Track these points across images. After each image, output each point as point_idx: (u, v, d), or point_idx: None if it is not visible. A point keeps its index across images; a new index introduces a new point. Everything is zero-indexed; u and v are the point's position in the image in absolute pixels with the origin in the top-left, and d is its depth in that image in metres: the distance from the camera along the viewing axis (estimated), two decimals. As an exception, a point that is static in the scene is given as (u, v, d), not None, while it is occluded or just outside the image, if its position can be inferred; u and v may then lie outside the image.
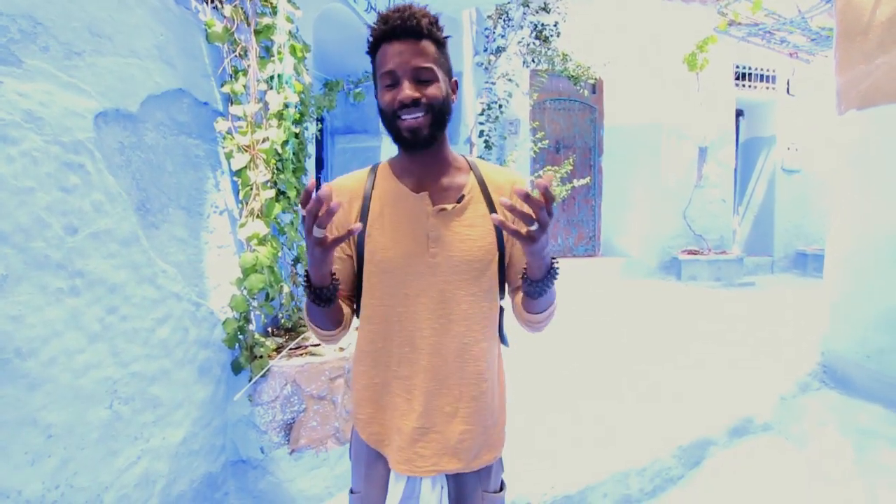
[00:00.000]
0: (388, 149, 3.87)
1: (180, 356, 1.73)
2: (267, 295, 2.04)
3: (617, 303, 5.65)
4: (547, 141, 5.43)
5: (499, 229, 1.03)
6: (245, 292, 1.89)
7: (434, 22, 0.97)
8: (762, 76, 7.37)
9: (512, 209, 0.77)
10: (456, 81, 1.03)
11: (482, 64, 4.96)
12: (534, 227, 0.80)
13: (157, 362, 1.63)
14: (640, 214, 6.84)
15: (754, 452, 2.93)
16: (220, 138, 1.94)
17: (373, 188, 1.06)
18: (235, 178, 1.99)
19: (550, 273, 0.93)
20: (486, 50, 5.04)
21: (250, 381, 1.94)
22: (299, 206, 0.83)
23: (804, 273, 7.47)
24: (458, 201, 1.02)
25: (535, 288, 0.94)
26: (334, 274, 0.96)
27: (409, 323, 1.03)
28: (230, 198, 2.01)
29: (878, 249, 3.21)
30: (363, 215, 1.04)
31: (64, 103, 1.32)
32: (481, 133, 4.69)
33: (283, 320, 2.26)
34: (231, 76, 1.94)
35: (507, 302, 1.14)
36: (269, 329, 2.24)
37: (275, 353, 2.08)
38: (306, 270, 0.94)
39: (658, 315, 5.23)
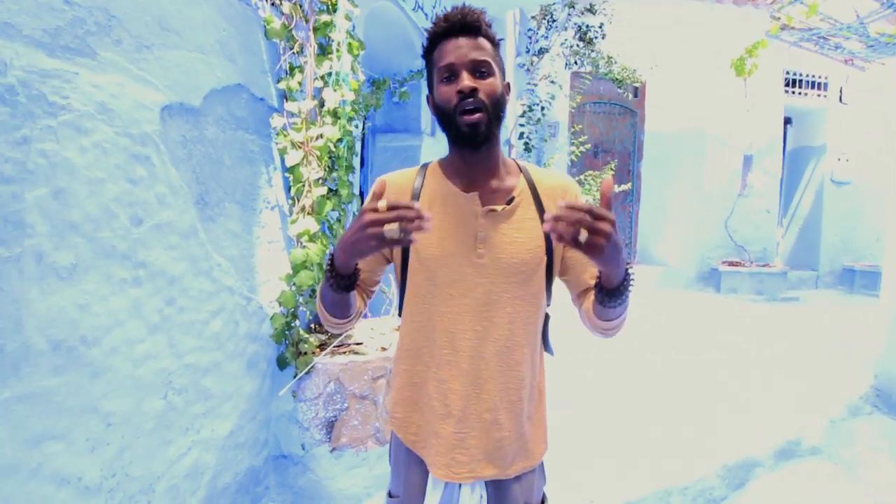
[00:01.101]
0: (428, 149, 3.86)
1: (231, 349, 1.74)
2: (313, 291, 2.04)
3: (655, 314, 5.50)
4: (588, 145, 5.33)
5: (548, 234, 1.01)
6: (294, 288, 1.89)
7: (489, 23, 0.99)
8: (813, 83, 7.08)
9: (556, 220, 0.73)
10: (508, 84, 1.02)
11: (524, 65, 4.91)
12: (590, 238, 0.75)
13: (210, 355, 1.64)
14: (679, 223, 6.65)
15: (801, 476, 2.80)
16: (273, 134, 1.95)
17: (422, 186, 1.05)
18: (287, 175, 2.00)
19: (625, 282, 0.89)
20: (528, 51, 4.98)
21: (295, 377, 1.95)
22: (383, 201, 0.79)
23: (851, 290, 7.14)
24: (508, 203, 1.00)
25: (609, 298, 0.91)
26: (357, 263, 0.94)
27: (451, 324, 1.00)
28: (281, 194, 2.01)
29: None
30: None
31: (133, 95, 1.34)
32: (521, 135, 4.63)
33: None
34: (286, 72, 1.95)
35: (555, 308, 1.11)
36: (311, 326, 2.24)
37: (318, 349, 2.08)
38: (331, 254, 0.93)
39: (699, 329, 5.07)
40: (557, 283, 1.10)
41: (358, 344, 2.21)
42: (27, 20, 1.08)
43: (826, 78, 7.07)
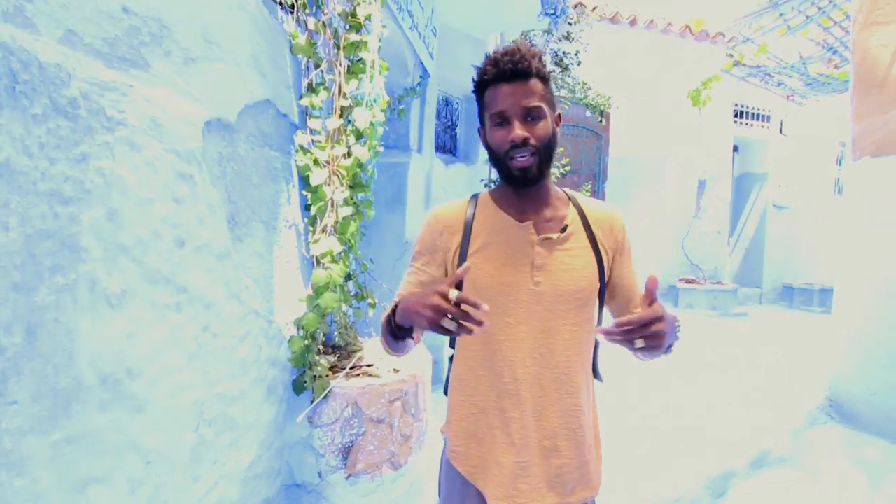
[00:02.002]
0: (416, 165, 3.86)
1: (254, 375, 1.66)
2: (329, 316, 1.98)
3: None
4: (569, 167, 5.50)
5: (600, 260, 1.05)
6: (316, 310, 1.83)
7: (540, 59, 0.99)
8: (758, 115, 7.67)
9: (608, 334, 0.80)
10: (559, 115, 1.05)
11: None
12: (647, 342, 0.81)
13: (237, 382, 1.55)
14: (639, 241, 6.98)
15: (773, 483, 2.99)
16: (293, 151, 1.89)
17: (474, 217, 1.07)
18: (305, 192, 1.94)
19: (671, 346, 0.94)
20: (506, 73, 5.09)
21: (312, 402, 1.87)
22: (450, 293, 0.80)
23: (791, 305, 7.72)
24: (562, 231, 1.03)
25: (653, 356, 0.93)
26: None
27: (510, 352, 1.01)
28: (298, 212, 1.95)
29: (887, 291, 3.34)
30: (464, 243, 1.04)
31: (180, 110, 1.27)
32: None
33: (336, 339, 2.19)
34: (309, 89, 1.91)
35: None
36: (320, 347, 2.17)
37: (330, 372, 2.01)
38: (395, 304, 0.96)
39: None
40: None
41: (369, 365, 2.16)
42: (88, 28, 1.01)
43: (769, 111, 7.69)
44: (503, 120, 0.96)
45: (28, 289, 0.90)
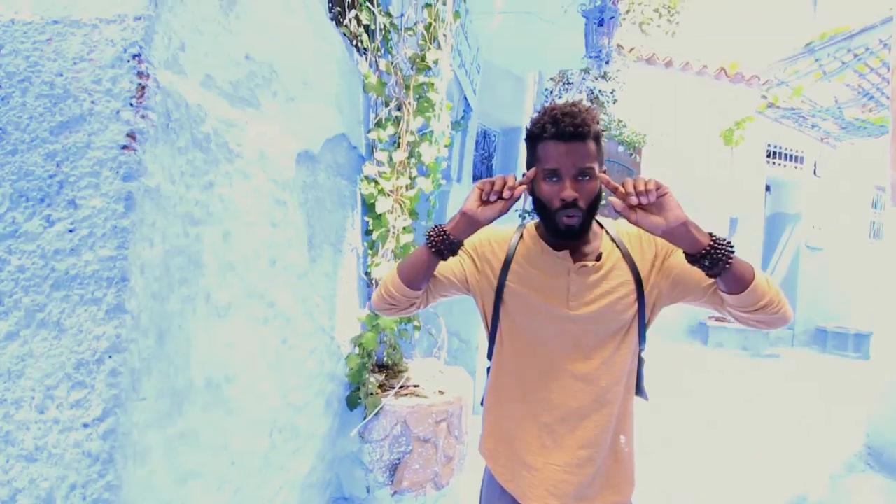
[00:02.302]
0: (456, 194, 3.99)
1: (317, 388, 1.76)
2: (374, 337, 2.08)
3: (651, 367, 5.66)
4: (605, 200, 5.58)
5: (638, 282, 1.09)
6: (374, 330, 1.93)
7: (597, 121, 1.04)
8: (791, 156, 7.67)
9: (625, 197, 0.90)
10: (605, 170, 1.08)
11: (539, 121, 5.18)
12: (642, 199, 0.89)
13: (304, 394, 1.66)
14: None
15: (811, 531, 2.93)
16: (359, 180, 2.03)
17: (519, 242, 1.15)
18: (366, 218, 2.07)
19: (716, 246, 0.89)
20: (543, 109, 5.28)
21: (365, 418, 1.96)
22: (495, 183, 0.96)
23: (824, 349, 7.54)
24: (598, 259, 1.08)
25: (705, 265, 0.91)
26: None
27: (544, 366, 1.09)
28: (359, 236, 2.08)
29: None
30: (505, 265, 1.13)
31: (280, 144, 1.41)
32: (537, 186, 4.85)
33: (385, 358, 2.29)
34: (377, 125, 2.06)
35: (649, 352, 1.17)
36: (370, 367, 2.27)
37: (379, 390, 2.10)
38: (439, 226, 1.04)
39: (697, 383, 5.26)
40: (652, 327, 1.17)
41: (416, 386, 2.25)
42: (220, 72, 1.17)
43: (802, 152, 7.68)
44: (555, 176, 1.00)
45: (162, 298, 1.03)
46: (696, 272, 1.04)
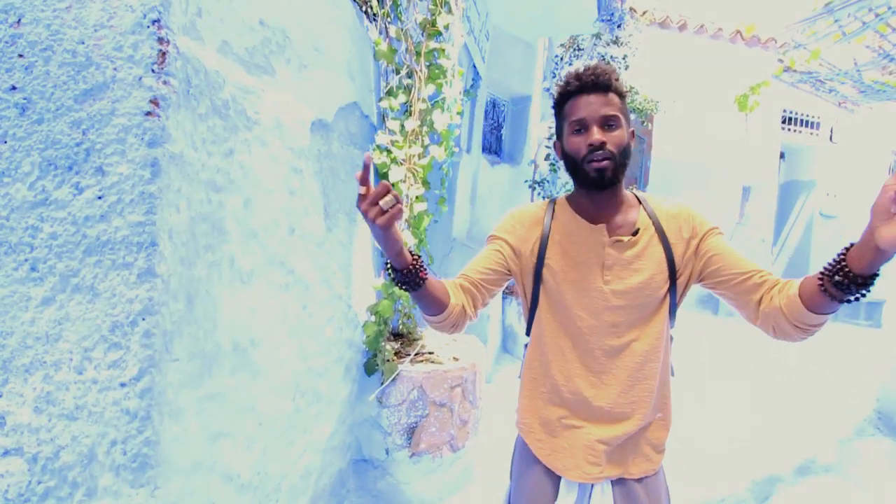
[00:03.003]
0: (466, 164, 3.97)
1: (336, 355, 1.80)
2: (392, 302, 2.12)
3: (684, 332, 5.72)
4: None
5: (671, 259, 1.09)
6: (389, 297, 1.96)
7: (618, 77, 1.07)
8: (807, 122, 7.50)
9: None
10: (633, 131, 1.11)
11: (549, 89, 5.11)
12: None
13: (324, 359, 1.70)
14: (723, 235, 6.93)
15: (818, 491, 2.99)
16: (371, 149, 2.03)
17: (552, 219, 1.15)
18: (380, 188, 2.08)
19: (874, 278, 0.83)
20: (553, 76, 5.19)
21: (382, 384, 2.01)
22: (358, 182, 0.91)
23: (836, 317, 7.53)
24: (634, 234, 1.09)
25: (852, 289, 0.83)
26: (418, 256, 1.03)
27: (581, 342, 1.10)
28: (372, 206, 2.09)
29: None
30: (542, 242, 1.13)
31: (295, 112, 1.42)
32: (547, 156, 4.81)
33: (400, 326, 2.33)
34: (388, 93, 2.04)
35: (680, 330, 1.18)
36: (387, 334, 2.31)
37: (395, 357, 2.15)
38: (389, 267, 1.03)
39: (710, 350, 5.30)
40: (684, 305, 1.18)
41: (430, 353, 2.29)
42: (236, 38, 1.16)
43: (819, 118, 7.51)
44: (582, 127, 1.03)
45: (189, 263, 1.05)
46: (733, 259, 1.03)
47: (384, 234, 0.94)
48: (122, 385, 0.98)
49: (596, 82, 1.02)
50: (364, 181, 0.91)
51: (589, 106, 1.02)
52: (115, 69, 0.94)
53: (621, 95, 1.06)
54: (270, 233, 1.32)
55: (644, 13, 5.98)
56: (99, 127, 0.95)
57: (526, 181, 4.98)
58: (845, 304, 0.88)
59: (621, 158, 1.04)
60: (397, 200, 0.91)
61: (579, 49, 4.93)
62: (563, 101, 1.07)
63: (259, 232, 1.27)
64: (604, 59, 4.98)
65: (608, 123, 1.02)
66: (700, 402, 3.80)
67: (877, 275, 0.82)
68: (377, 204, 0.90)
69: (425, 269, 1.03)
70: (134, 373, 0.97)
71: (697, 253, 1.09)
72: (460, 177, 3.92)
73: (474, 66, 3.85)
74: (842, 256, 0.85)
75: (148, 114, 0.95)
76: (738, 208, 7.04)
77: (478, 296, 1.14)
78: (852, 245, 0.84)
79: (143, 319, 0.96)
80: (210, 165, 1.09)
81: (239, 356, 1.23)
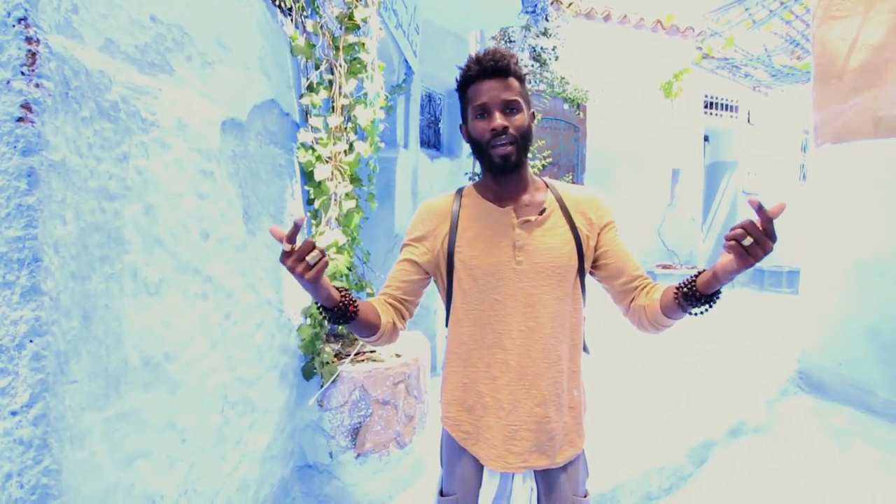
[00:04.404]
0: (403, 160, 3.95)
1: (269, 361, 1.75)
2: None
3: (602, 313, 5.92)
4: (551, 158, 5.68)
5: (578, 239, 1.14)
6: (323, 299, 1.92)
7: (517, 61, 1.12)
8: (727, 106, 7.97)
9: (759, 210, 0.85)
10: (534, 113, 1.16)
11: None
12: (752, 248, 0.87)
13: (255, 367, 1.65)
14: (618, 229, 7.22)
15: (750, 450, 3.21)
16: (295, 148, 1.98)
17: (460, 207, 1.18)
18: (307, 188, 2.03)
19: (718, 295, 1.01)
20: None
21: (322, 386, 1.97)
22: (283, 241, 0.91)
23: (762, 287, 8.08)
24: (540, 214, 1.13)
25: (697, 303, 0.99)
26: (345, 291, 1.06)
27: (498, 326, 1.12)
28: (300, 206, 2.04)
29: (849, 271, 3.58)
30: (452, 231, 1.16)
31: (201, 112, 1.35)
32: (484, 148, 4.86)
33: (339, 327, 2.29)
34: (309, 89, 1.99)
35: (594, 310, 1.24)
36: (325, 335, 2.27)
37: (335, 359, 2.11)
38: (317, 306, 1.06)
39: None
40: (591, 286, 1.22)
41: (372, 352, 2.27)
42: (123, 36, 1.09)
43: (737, 102, 8.00)
44: (485, 112, 1.07)
45: (83, 277, 0.98)
46: (622, 261, 1.16)
47: (313, 285, 0.95)
48: (13, 413, 0.90)
49: (496, 67, 1.06)
50: (291, 240, 0.91)
51: (490, 91, 1.06)
52: (-25, 72, 0.86)
53: (521, 79, 1.10)
54: (180, 240, 1.26)
55: (570, 4, 6.15)
56: (-39, 135, 0.87)
57: (466, 173, 5.02)
58: (690, 315, 1.04)
59: (524, 142, 1.09)
60: (323, 255, 0.92)
61: (510, 41, 5.01)
62: (465, 85, 1.10)
63: (166, 239, 1.21)
64: (534, 51, 5.08)
65: (509, 108, 1.06)
66: (628, 378, 3.98)
67: (719, 292, 0.99)
68: (304, 260, 0.91)
69: (354, 303, 1.05)
70: (25, 399, 0.90)
71: (597, 241, 1.16)
72: (399, 172, 3.89)
73: (406, 62, 3.82)
74: (693, 278, 1.01)
75: (20, 119, 0.87)
76: (669, 190, 7.40)
77: (402, 309, 1.18)
78: (703, 271, 1.00)
79: (31, 341, 0.89)
80: (100, 172, 1.02)
81: (151, 371, 1.16)
